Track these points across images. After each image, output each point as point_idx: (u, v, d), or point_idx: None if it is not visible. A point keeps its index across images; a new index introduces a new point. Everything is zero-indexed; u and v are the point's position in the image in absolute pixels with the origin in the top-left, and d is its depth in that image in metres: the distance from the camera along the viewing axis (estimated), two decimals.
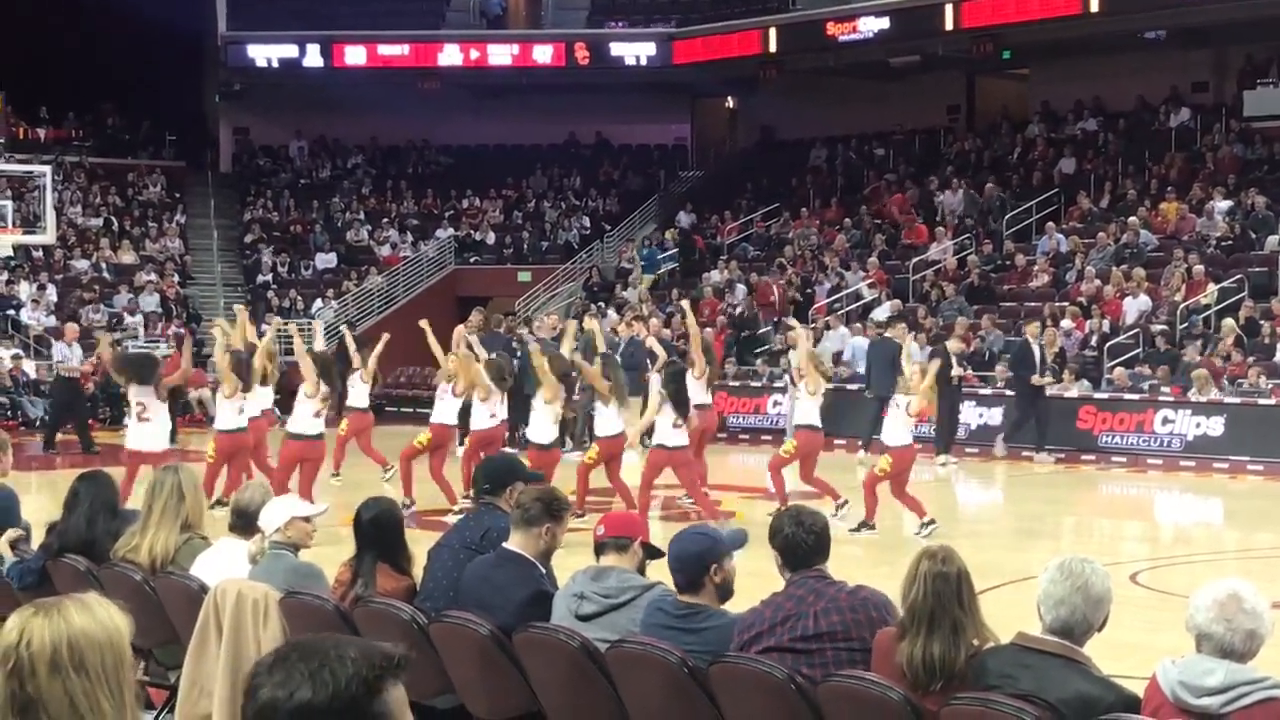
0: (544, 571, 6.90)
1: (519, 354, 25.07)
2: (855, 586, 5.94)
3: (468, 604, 6.78)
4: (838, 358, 28.14)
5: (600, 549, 6.65)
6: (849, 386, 26.37)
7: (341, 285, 37.32)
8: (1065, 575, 5.05)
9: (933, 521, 15.31)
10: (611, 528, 6.69)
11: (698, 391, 17.17)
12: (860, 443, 23.23)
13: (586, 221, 40.40)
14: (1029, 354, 23.33)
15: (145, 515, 7.88)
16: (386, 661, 2.59)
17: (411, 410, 27.31)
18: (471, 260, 39.23)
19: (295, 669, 2.54)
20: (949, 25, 34.14)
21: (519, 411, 19.04)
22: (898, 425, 15.45)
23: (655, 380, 18.12)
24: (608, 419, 16.31)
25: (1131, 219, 29.92)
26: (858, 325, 29.14)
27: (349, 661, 2.55)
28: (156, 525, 7.79)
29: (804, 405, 16.67)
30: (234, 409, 16.16)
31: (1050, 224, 31.35)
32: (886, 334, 23.88)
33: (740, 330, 30.62)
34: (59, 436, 24.90)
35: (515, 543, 6.88)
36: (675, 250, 36.89)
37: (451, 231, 39.71)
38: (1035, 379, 23.12)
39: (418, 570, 7.46)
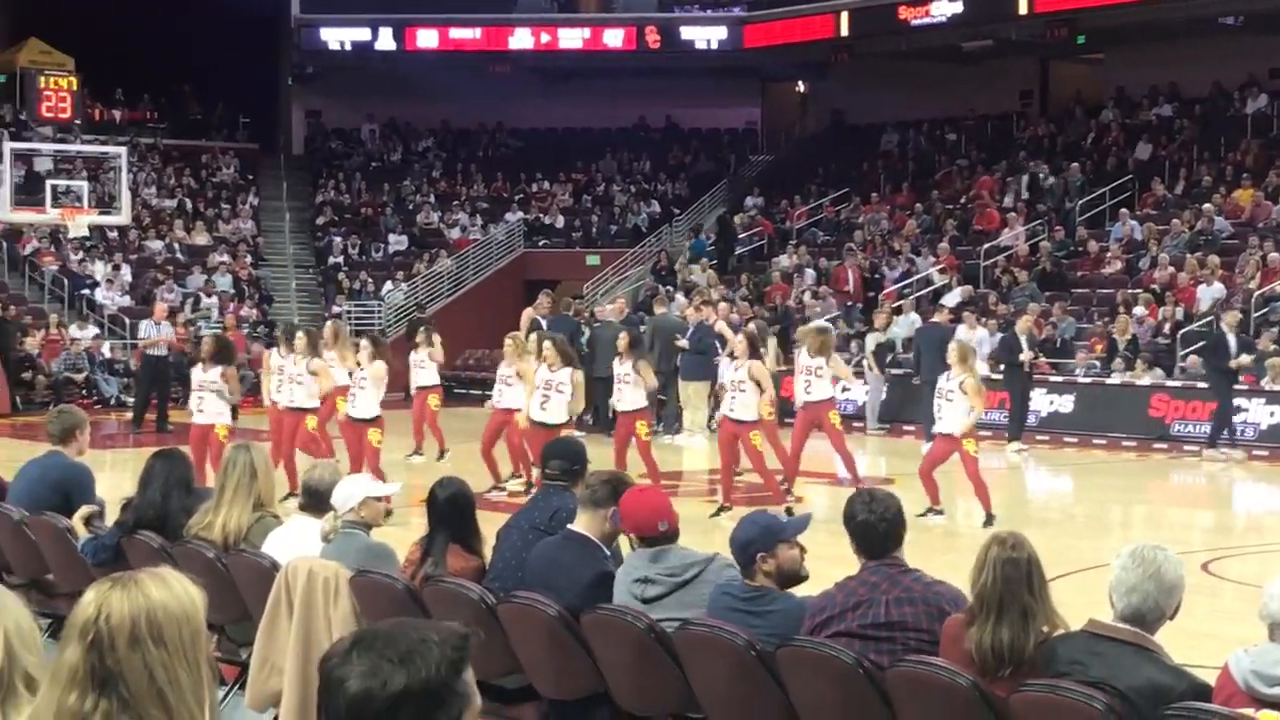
0: (608, 553, 6.93)
1: (585, 337, 25.17)
2: (932, 579, 5.92)
3: (533, 584, 6.82)
4: (907, 344, 28.04)
5: (645, 542, 6.67)
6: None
7: (412, 268, 37.49)
8: (1138, 562, 5.01)
9: (941, 512, 15.33)
10: (640, 528, 6.69)
11: None
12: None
13: (655, 205, 40.38)
14: (1224, 343, 22.59)
15: (218, 493, 7.95)
16: (463, 641, 2.64)
17: (480, 392, 27.35)
18: (540, 244, 39.30)
19: (383, 657, 2.57)
20: (1023, 9, 33.88)
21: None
22: (958, 411, 15.25)
23: (726, 365, 18.13)
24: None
25: (1206, 206, 29.60)
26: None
27: (434, 645, 2.59)
28: (230, 503, 7.86)
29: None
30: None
31: (1124, 210, 31.09)
32: (934, 319, 23.74)
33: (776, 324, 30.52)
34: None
35: (581, 524, 6.92)
36: (712, 241, 36.84)
37: (521, 215, 39.80)
38: (1233, 362, 22.49)
39: (487, 550, 7.49)
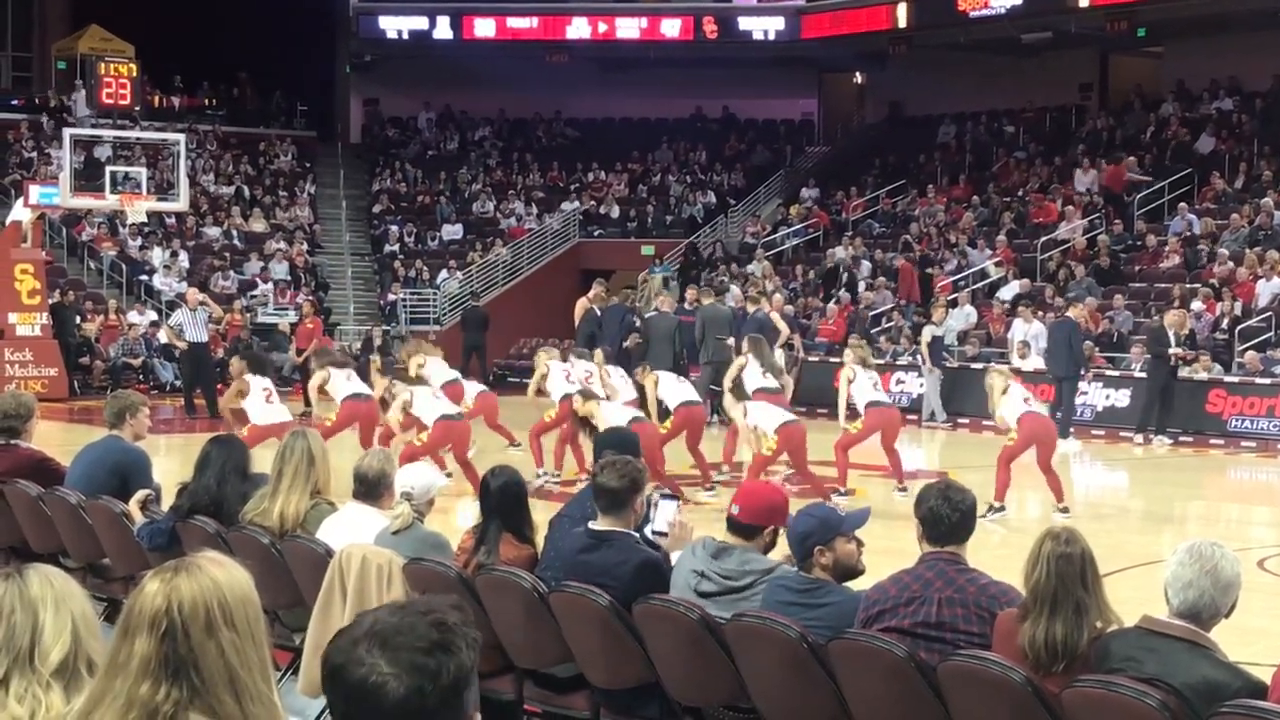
0: (638, 536, 6.86)
1: (638, 327, 25.17)
2: (987, 581, 5.89)
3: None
4: (963, 337, 27.94)
5: (728, 524, 6.63)
6: (973, 366, 26.26)
7: (467, 256, 37.62)
8: (1195, 558, 4.98)
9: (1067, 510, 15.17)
10: (745, 512, 6.62)
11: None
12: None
13: (711, 196, 40.35)
14: None
15: (275, 479, 7.96)
16: (469, 616, 2.64)
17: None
18: (596, 233, 39.35)
19: (416, 650, 2.54)
20: (1083, 2, 33.72)
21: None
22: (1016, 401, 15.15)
23: (780, 355, 18.14)
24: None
25: (1265, 200, 29.35)
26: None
27: (452, 628, 2.57)
28: (287, 489, 7.88)
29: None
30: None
31: (1183, 204, 30.85)
32: (1069, 313, 23.62)
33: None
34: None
35: (606, 524, 6.80)
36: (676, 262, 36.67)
37: (576, 204, 39.85)
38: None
39: (540, 540, 7.50)
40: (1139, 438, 22.60)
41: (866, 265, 32.94)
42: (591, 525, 6.84)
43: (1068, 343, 22.56)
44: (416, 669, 2.51)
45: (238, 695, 2.84)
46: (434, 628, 2.56)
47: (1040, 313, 26.66)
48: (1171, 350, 22.80)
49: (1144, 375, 23.69)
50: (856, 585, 6.23)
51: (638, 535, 6.83)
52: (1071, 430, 22.51)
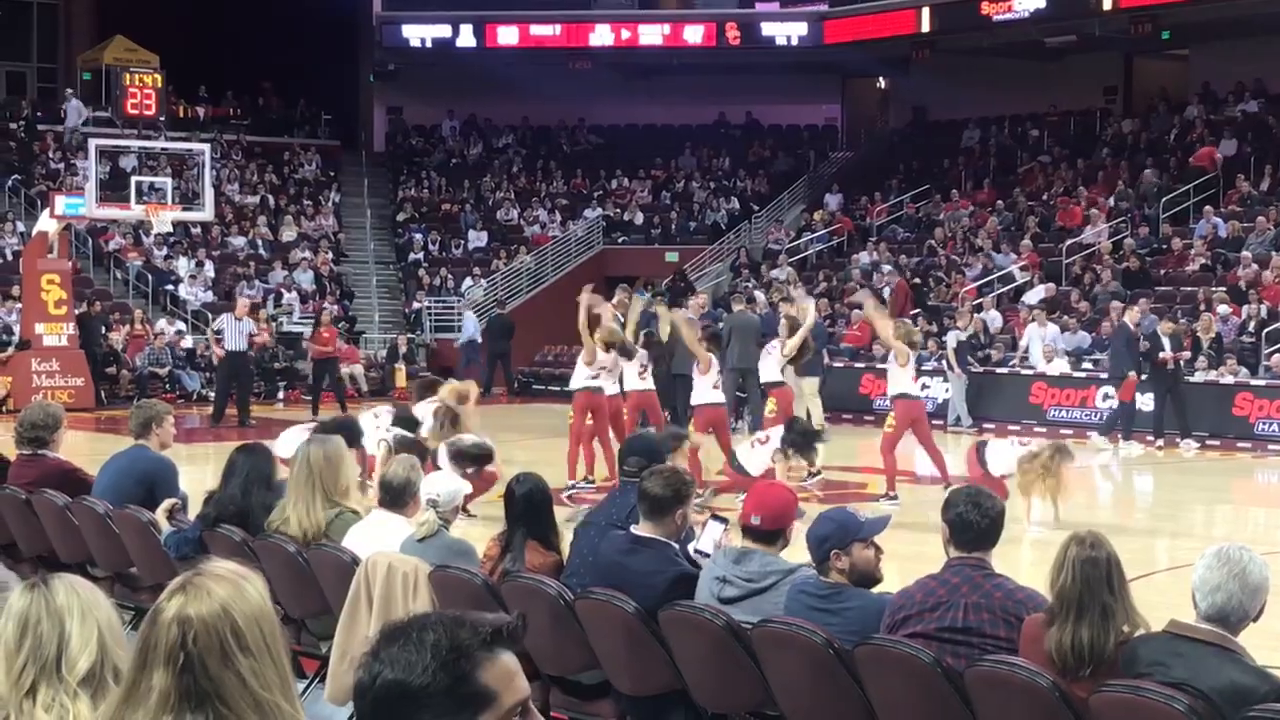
0: (678, 549, 6.87)
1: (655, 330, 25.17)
2: (1014, 586, 5.87)
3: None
4: (989, 341, 27.84)
5: (744, 532, 6.63)
6: (998, 371, 26.25)
7: (491, 264, 37.66)
8: (1222, 562, 4.97)
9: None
10: (766, 520, 6.60)
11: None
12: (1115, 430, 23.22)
13: (735, 202, 40.33)
14: None
15: (291, 489, 7.98)
16: (467, 645, 2.50)
17: (559, 389, 27.39)
18: (619, 240, 39.35)
19: (375, 656, 2.52)
20: (1107, 5, 33.60)
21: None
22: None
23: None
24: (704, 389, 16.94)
25: None
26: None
27: (428, 649, 2.48)
28: (294, 501, 7.88)
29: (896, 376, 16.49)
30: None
31: (1208, 207, 30.73)
32: (1124, 318, 23.63)
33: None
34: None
35: (646, 530, 6.85)
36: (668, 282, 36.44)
37: (600, 211, 39.86)
38: None
39: (565, 546, 7.51)
40: (1159, 442, 22.53)
41: (890, 270, 32.84)
42: (634, 529, 6.89)
43: (1125, 347, 22.77)
44: (366, 669, 2.52)
45: (264, 717, 2.82)
46: (415, 644, 2.51)
47: (1063, 317, 26.67)
48: (1164, 354, 22.67)
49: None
50: (881, 590, 6.22)
51: (676, 547, 6.84)
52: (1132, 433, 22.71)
